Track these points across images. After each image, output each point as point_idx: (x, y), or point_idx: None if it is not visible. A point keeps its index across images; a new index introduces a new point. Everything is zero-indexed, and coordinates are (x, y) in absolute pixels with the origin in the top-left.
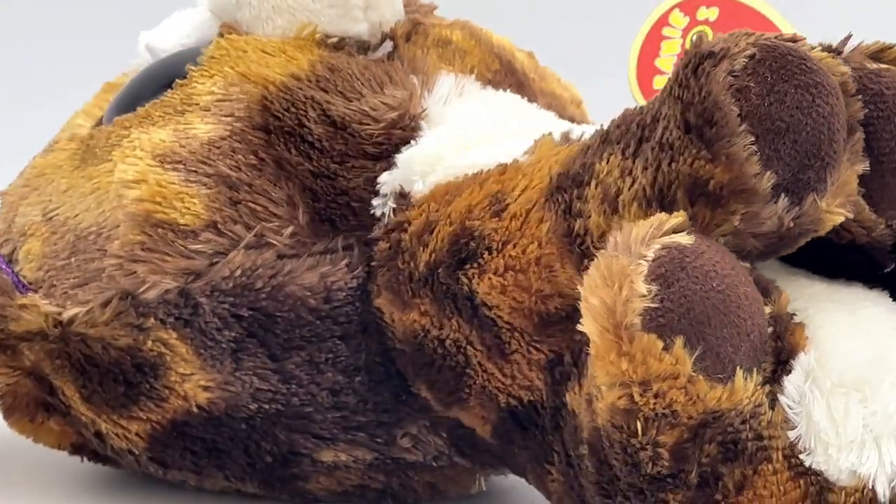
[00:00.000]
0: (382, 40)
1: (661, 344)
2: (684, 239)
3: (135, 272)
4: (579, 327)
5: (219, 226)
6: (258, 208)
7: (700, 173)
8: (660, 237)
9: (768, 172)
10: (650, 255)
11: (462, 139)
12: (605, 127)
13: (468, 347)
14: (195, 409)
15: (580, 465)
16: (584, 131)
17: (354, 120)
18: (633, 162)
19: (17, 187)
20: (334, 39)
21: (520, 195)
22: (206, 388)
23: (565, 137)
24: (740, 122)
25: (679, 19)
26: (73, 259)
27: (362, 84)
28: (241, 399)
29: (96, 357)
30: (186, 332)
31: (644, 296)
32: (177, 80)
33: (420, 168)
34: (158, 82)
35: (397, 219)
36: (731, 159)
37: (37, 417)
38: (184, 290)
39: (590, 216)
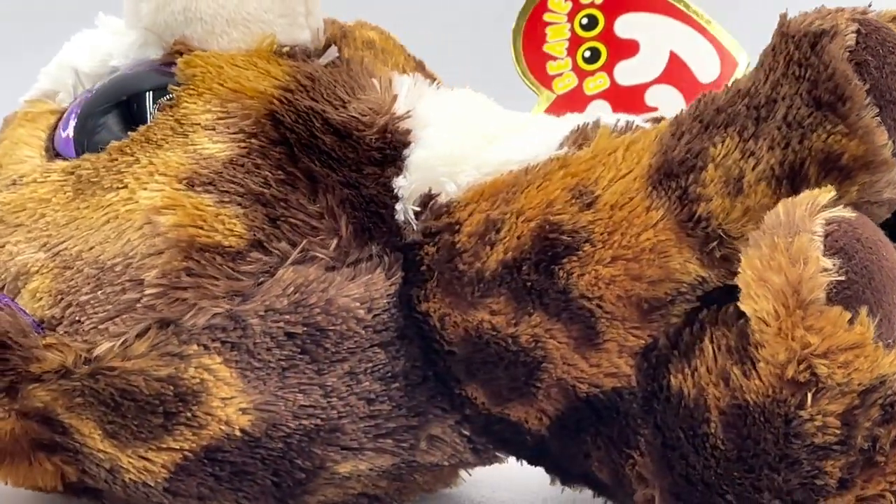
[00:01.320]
0: (326, 46)
1: (847, 315)
2: (846, 213)
3: (179, 299)
4: (746, 307)
5: (264, 244)
6: (298, 223)
7: (834, 148)
8: (818, 213)
9: (890, 142)
10: (820, 230)
11: (474, 136)
12: (689, 113)
13: (549, 341)
14: (237, 433)
15: (696, 444)
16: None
17: (352, 127)
18: (756, 142)
19: None
20: (286, 48)
21: (609, 185)
22: (245, 411)
23: (623, 128)
24: (866, 95)
25: (560, 4)
26: (98, 293)
27: (343, 91)
28: (282, 417)
29: (133, 390)
30: (233, 354)
31: (827, 270)
32: (160, 101)
33: (445, 169)
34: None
35: (439, 221)
36: (865, 132)
37: (35, 460)
38: (233, 313)
39: (711, 199)
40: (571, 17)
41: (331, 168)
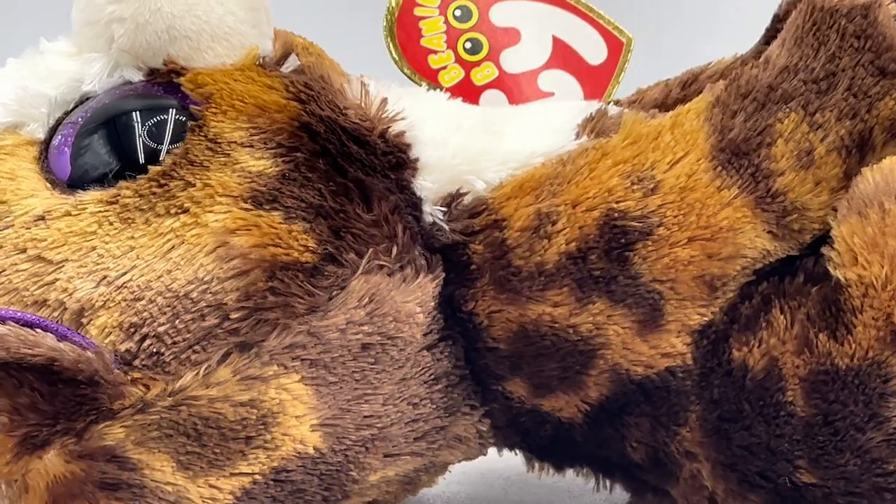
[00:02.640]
0: (285, 55)
1: None
2: None
3: (263, 320)
4: (848, 273)
5: (336, 257)
6: (359, 233)
7: (889, 111)
8: None
9: None
10: None
11: (479, 131)
12: (733, 92)
13: (610, 328)
14: (309, 451)
15: (767, 413)
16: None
17: (362, 133)
18: (822, 115)
19: (13, 264)
20: (259, 60)
21: (670, 169)
22: (315, 428)
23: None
24: None
25: None
26: (176, 322)
27: (336, 98)
28: (346, 430)
29: (217, 417)
30: (310, 372)
31: None
32: (189, 123)
33: (468, 167)
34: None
35: (480, 220)
36: None
37: (95, 499)
38: (314, 330)
39: (784, 173)
40: (443, 9)
41: (371, 175)
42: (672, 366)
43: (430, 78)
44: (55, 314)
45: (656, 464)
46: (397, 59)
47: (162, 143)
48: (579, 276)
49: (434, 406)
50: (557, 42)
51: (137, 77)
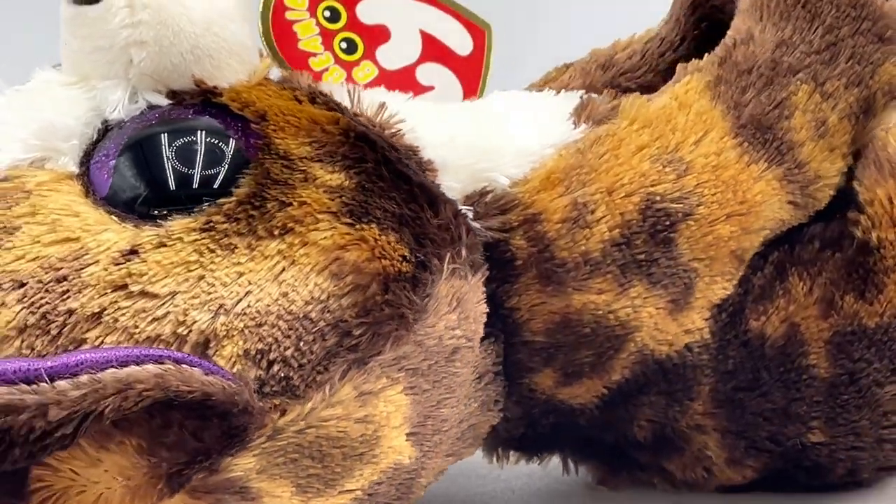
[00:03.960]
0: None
1: None
2: None
3: (381, 334)
4: (883, 234)
5: (426, 264)
6: (434, 237)
7: (889, 75)
8: None
9: None
10: None
11: (475, 127)
12: (732, 69)
13: (644, 310)
14: (406, 461)
15: (787, 379)
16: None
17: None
18: (832, 84)
19: (114, 302)
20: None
21: (695, 148)
22: (407, 437)
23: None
24: None
25: (296, 1)
26: (301, 344)
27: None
28: (426, 435)
29: (342, 436)
30: (412, 381)
31: None
32: (254, 141)
33: (487, 164)
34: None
35: (514, 215)
36: None
37: None
38: (419, 338)
39: (803, 144)
40: (313, 11)
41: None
42: (691, 342)
43: (315, 80)
44: (173, 347)
45: (660, 440)
46: (279, 63)
47: (193, 168)
48: (623, 261)
49: (477, 404)
50: (425, 36)
51: (163, 101)
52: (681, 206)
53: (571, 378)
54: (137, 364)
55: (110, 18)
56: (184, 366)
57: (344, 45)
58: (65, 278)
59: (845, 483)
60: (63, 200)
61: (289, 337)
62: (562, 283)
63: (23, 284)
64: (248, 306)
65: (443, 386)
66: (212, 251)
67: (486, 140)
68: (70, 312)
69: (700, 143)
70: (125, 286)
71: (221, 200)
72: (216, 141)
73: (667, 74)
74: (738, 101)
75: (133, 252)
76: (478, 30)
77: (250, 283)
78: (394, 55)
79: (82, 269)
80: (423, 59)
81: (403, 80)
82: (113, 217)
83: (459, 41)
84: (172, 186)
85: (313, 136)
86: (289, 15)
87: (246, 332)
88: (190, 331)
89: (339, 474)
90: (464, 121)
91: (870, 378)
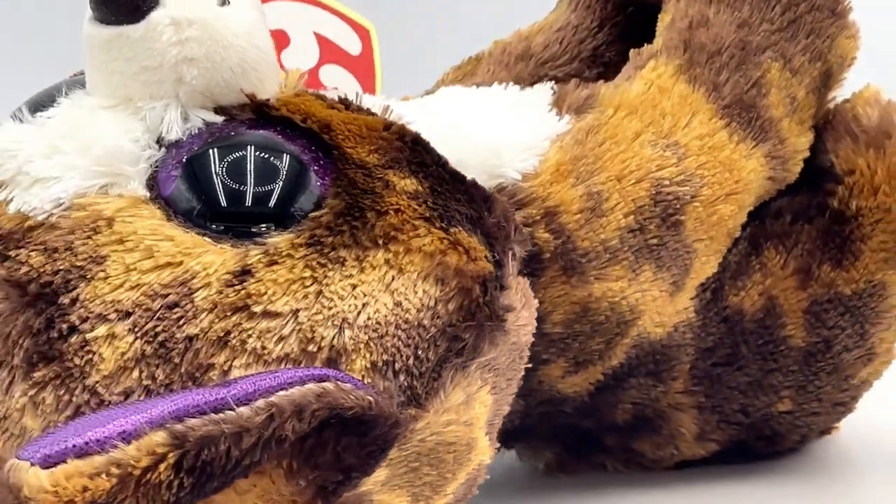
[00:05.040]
0: None
1: None
2: None
3: (479, 337)
4: (861, 202)
5: (500, 261)
6: (497, 236)
7: (847, 50)
8: None
9: None
10: None
11: (469, 125)
12: (701, 50)
13: (649, 293)
14: (487, 460)
15: (765, 350)
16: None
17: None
18: (799, 60)
19: (237, 325)
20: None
21: (688, 132)
22: (486, 436)
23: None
24: None
25: None
26: (419, 352)
27: None
28: (493, 436)
29: (453, 441)
30: (495, 380)
31: None
32: (315, 151)
33: (496, 161)
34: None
35: (533, 209)
36: (858, 33)
37: None
38: (505, 336)
39: (781, 120)
40: None
41: None
42: (678, 322)
43: None
44: (303, 365)
45: (640, 421)
46: None
47: (245, 184)
48: (637, 247)
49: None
50: (320, 38)
51: (216, 118)
52: (686, 188)
53: (580, 367)
54: (301, 385)
55: (156, 37)
56: (339, 383)
57: None
58: (176, 304)
59: (789, 449)
60: (149, 225)
61: (409, 346)
62: (584, 272)
63: (129, 314)
64: (369, 318)
65: (513, 383)
66: (322, 265)
67: (486, 137)
68: (190, 339)
69: (690, 125)
70: (246, 307)
71: (315, 214)
72: (270, 157)
73: (590, 62)
74: (715, 82)
75: (246, 272)
76: (363, 29)
77: (365, 295)
78: (296, 59)
79: (192, 293)
80: (322, 61)
81: (310, 83)
82: (206, 238)
83: (349, 41)
84: (248, 203)
85: (375, 143)
86: None
87: (371, 344)
88: (319, 347)
89: (447, 479)
90: (456, 119)
91: (842, 344)
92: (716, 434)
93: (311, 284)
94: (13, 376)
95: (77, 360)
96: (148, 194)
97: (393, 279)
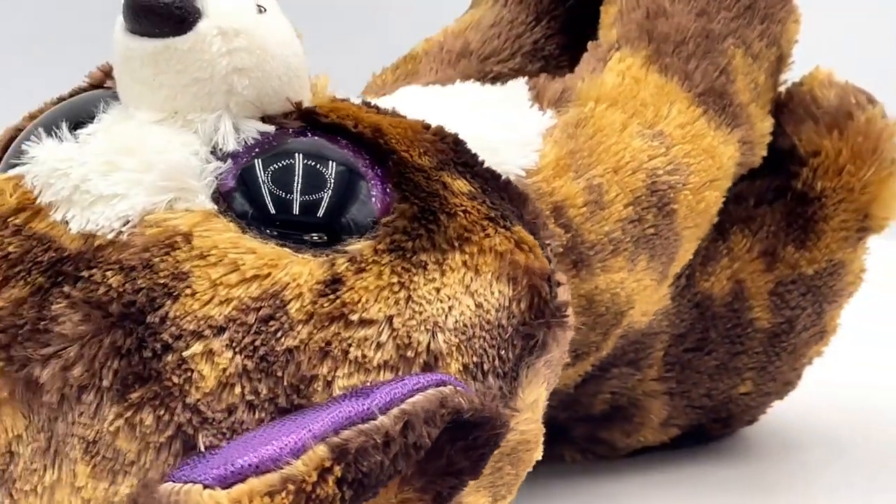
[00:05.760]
0: None
1: None
2: None
3: (547, 335)
4: (824, 183)
5: (550, 258)
6: (535, 232)
7: (792, 34)
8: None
9: None
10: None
11: (463, 122)
12: (664, 40)
13: (642, 283)
14: (539, 457)
15: (733, 334)
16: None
17: None
18: (756, 46)
19: (336, 334)
20: None
21: (670, 121)
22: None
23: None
24: None
25: None
26: (501, 353)
27: None
28: None
29: (529, 439)
30: (550, 376)
31: None
32: (393, 156)
33: (499, 158)
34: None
35: (543, 204)
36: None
37: None
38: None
39: (748, 106)
40: None
41: None
42: (658, 309)
43: None
44: (402, 373)
45: (615, 410)
46: None
47: (292, 193)
48: (636, 237)
49: None
50: None
51: (268, 127)
52: (677, 177)
53: (576, 360)
54: (423, 391)
55: (206, 48)
56: (454, 387)
57: None
58: (271, 317)
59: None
60: (228, 238)
61: (493, 347)
62: (591, 265)
63: (223, 329)
64: (456, 321)
65: (557, 378)
66: (407, 270)
67: (479, 134)
68: (290, 351)
69: (671, 115)
70: (342, 316)
71: (388, 219)
72: (317, 164)
73: (531, 56)
74: (686, 71)
75: (337, 281)
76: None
77: (449, 298)
78: None
79: (285, 305)
80: None
81: None
82: (286, 248)
83: None
84: (296, 211)
85: (423, 146)
86: None
87: (461, 347)
88: (416, 353)
89: (519, 477)
90: (443, 118)
91: (802, 324)
92: (680, 419)
93: (400, 290)
94: (101, 398)
95: (175, 379)
96: (216, 207)
97: (471, 281)
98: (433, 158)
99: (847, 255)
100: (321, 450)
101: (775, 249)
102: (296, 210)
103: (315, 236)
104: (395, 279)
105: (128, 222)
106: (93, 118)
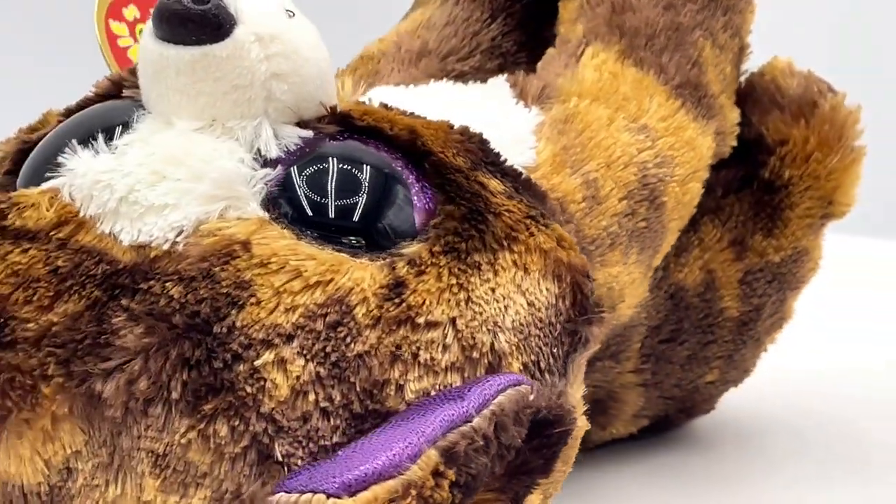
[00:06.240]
0: None
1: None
2: None
3: (589, 330)
4: (791, 171)
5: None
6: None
7: (749, 21)
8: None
9: None
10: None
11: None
12: (637, 34)
13: (632, 276)
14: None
15: (705, 324)
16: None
17: None
18: (722, 37)
19: (405, 337)
20: None
21: (652, 114)
22: None
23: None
24: None
25: (118, 27)
26: (553, 351)
27: None
28: None
29: (578, 437)
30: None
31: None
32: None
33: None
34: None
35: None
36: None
37: None
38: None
39: (720, 97)
40: (133, 34)
41: None
42: (638, 303)
43: None
44: (468, 375)
45: (594, 404)
46: None
47: (326, 197)
48: (630, 231)
49: None
50: None
51: (307, 132)
52: (665, 170)
53: None
54: (504, 391)
55: (245, 55)
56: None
57: None
58: (339, 323)
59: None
60: (287, 245)
61: (546, 345)
62: (591, 260)
63: (292, 337)
64: (513, 320)
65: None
66: (463, 271)
67: (482, 131)
68: (360, 356)
69: (652, 108)
70: (409, 319)
71: (436, 221)
72: (351, 168)
73: (489, 53)
74: (661, 64)
75: (400, 285)
76: None
77: (504, 298)
78: None
79: (351, 310)
80: None
81: None
82: (343, 253)
83: None
84: (332, 215)
85: (454, 146)
86: (120, 42)
87: (521, 346)
88: (481, 353)
89: (565, 473)
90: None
91: (767, 312)
92: (650, 410)
93: (459, 291)
94: (170, 411)
95: (249, 389)
96: (267, 215)
97: (522, 280)
98: (466, 158)
99: (810, 242)
100: (433, 454)
101: (744, 239)
102: (332, 214)
103: (353, 240)
104: (453, 280)
105: (181, 232)
106: (113, 129)
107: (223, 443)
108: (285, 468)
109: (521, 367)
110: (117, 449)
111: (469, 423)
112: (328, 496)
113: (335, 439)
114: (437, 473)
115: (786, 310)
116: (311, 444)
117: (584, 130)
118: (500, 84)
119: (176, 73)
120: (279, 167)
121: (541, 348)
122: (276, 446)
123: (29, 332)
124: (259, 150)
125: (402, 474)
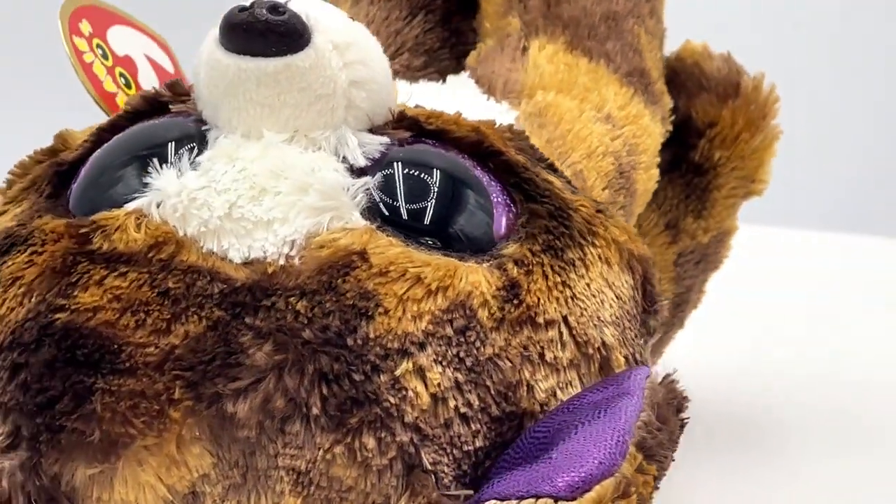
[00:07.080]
0: None
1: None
2: None
3: (649, 323)
4: (720, 152)
5: None
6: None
7: (663, 4)
8: None
9: None
10: None
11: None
12: (579, 27)
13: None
14: None
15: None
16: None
17: None
18: (650, 22)
19: (525, 335)
20: None
21: (610, 103)
22: None
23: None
24: None
25: (83, 43)
26: (638, 341)
27: None
28: None
29: None
30: None
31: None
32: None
33: None
34: None
35: None
36: None
37: None
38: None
39: (658, 82)
40: (94, 51)
41: None
42: None
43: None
44: (584, 371)
45: None
46: (106, 110)
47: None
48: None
49: None
50: (151, 62)
51: (384, 139)
52: (633, 157)
53: None
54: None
55: (326, 64)
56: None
57: (122, 80)
58: (466, 327)
59: None
60: (401, 253)
61: (635, 337)
62: None
63: (424, 344)
64: (611, 314)
65: None
66: (563, 269)
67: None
68: (492, 359)
69: (609, 97)
70: (530, 319)
71: (523, 220)
72: (420, 173)
73: (414, 51)
74: (607, 53)
75: (515, 286)
76: (162, 42)
77: (599, 293)
78: (146, 82)
79: (474, 314)
80: (160, 82)
81: None
82: (452, 257)
83: (162, 58)
84: (405, 217)
85: (511, 145)
86: (86, 58)
87: (621, 339)
88: (594, 349)
89: None
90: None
91: (692, 294)
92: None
93: (564, 288)
94: (310, 427)
95: (392, 399)
96: (369, 223)
97: (608, 273)
98: (525, 156)
99: (733, 223)
100: (633, 449)
101: (677, 221)
102: (428, 219)
103: (429, 240)
104: (557, 279)
105: (294, 246)
106: (165, 147)
107: (371, 455)
108: (433, 476)
109: (623, 360)
110: (250, 469)
111: (640, 418)
112: (556, 500)
113: (477, 444)
114: (640, 469)
115: (700, 292)
116: (454, 451)
117: (560, 123)
118: (464, 81)
119: (257, 85)
120: (368, 175)
121: (633, 339)
122: (423, 455)
123: (150, 356)
124: (345, 158)
125: (613, 473)
